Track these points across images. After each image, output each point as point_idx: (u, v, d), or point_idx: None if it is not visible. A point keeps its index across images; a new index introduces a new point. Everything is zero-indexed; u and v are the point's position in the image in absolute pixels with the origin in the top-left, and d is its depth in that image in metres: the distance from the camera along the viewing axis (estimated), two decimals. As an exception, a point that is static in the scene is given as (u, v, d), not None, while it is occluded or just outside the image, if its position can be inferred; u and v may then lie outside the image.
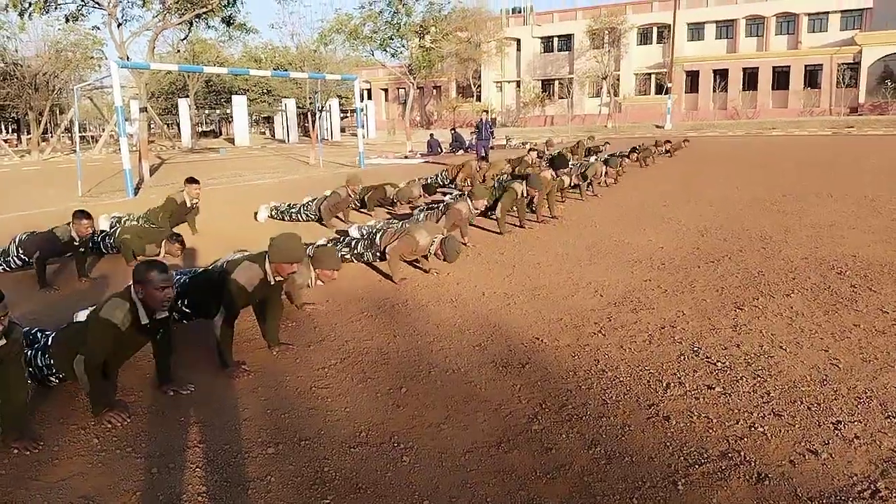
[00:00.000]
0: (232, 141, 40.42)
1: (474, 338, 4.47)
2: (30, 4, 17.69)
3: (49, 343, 3.57)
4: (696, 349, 4.12)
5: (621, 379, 3.71)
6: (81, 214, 5.94)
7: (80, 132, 25.20)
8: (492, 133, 19.27)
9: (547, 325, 4.67)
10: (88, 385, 3.27)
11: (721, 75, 44.39)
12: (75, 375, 3.35)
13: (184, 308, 4.23)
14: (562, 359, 4.05)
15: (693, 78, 45.59)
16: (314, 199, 9.15)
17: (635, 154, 14.80)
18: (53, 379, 3.59)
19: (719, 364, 3.87)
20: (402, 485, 2.73)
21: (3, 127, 44.11)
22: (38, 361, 3.54)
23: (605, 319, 4.76)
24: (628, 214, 9.16)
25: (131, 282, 3.38)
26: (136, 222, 7.61)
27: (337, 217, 9.06)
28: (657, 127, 38.38)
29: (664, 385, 3.61)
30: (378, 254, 6.17)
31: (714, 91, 44.73)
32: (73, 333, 3.53)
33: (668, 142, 18.81)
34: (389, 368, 3.97)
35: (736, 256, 6.52)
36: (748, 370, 3.76)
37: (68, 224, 5.96)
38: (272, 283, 4.01)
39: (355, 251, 6.32)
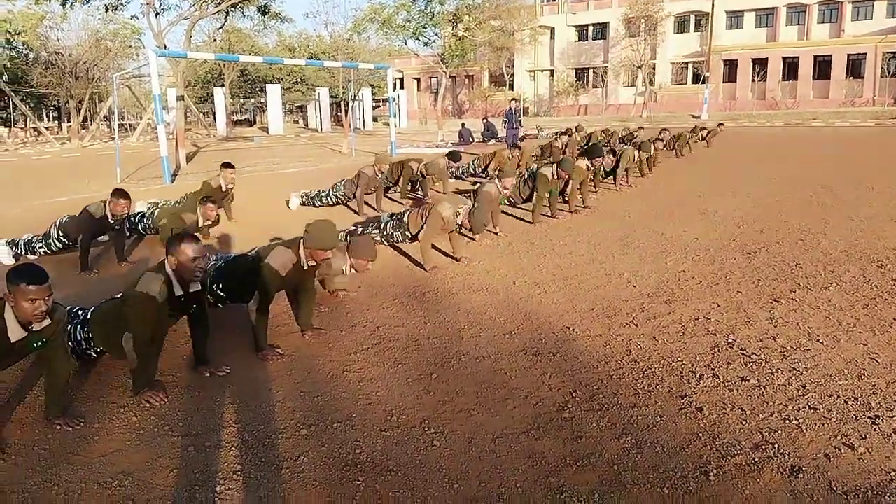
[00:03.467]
0: (266, 129, 40.83)
1: (505, 326, 4.47)
2: (71, -6, 18.09)
3: (88, 317, 3.67)
4: (730, 341, 4.07)
5: (653, 369, 3.69)
6: (119, 193, 6.07)
7: (118, 120, 25.76)
8: (520, 122, 19.11)
9: (578, 315, 4.65)
10: (137, 361, 3.35)
11: (760, 64, 43.39)
12: (115, 350, 3.44)
13: (219, 292, 4.31)
14: (593, 348, 4.03)
15: (731, 67, 44.63)
16: (342, 181, 9.23)
17: (667, 133, 14.46)
18: (92, 353, 3.69)
19: (754, 356, 3.81)
20: (432, 469, 2.75)
21: (44, 115, 45.21)
22: (78, 335, 3.64)
23: (638, 310, 4.72)
24: (662, 205, 9.05)
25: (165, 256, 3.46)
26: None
27: (369, 205, 9.11)
28: (693, 117, 37.68)
29: (697, 376, 3.57)
30: (408, 233, 6.18)
31: (753, 81, 43.75)
32: (111, 307, 3.61)
33: (703, 128, 18.47)
34: (420, 354, 4.01)
35: (773, 248, 6.40)
36: (784, 363, 3.71)
37: (102, 201, 6.08)
38: (305, 268, 4.07)
39: (385, 232, 6.35)
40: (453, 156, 10.14)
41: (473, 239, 7.02)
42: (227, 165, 8.26)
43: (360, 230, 6.50)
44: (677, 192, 10.22)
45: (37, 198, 11.57)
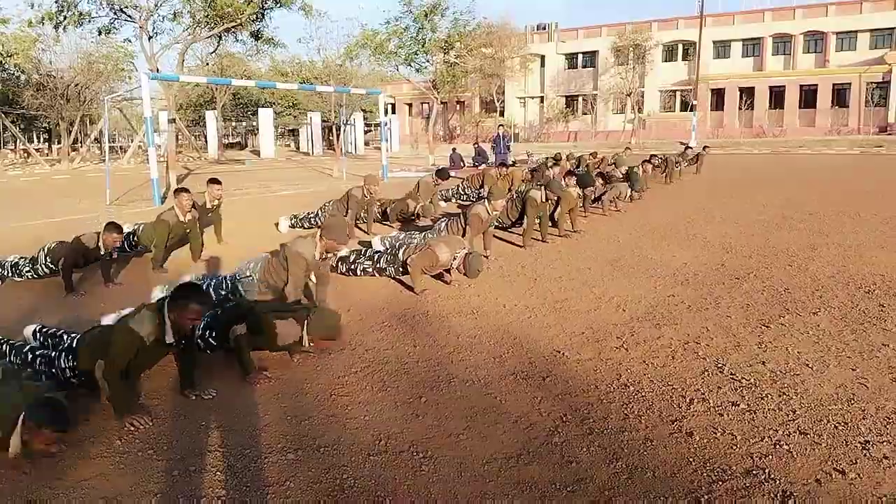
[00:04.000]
0: (258, 153, 40.90)
1: (494, 349, 4.45)
2: (65, 18, 18.18)
3: (74, 345, 3.63)
4: (720, 365, 4.06)
5: (644, 394, 3.67)
6: (112, 227, 6.07)
7: (109, 143, 25.76)
8: (508, 147, 19.26)
9: (568, 339, 4.64)
10: (109, 389, 3.32)
11: (747, 93, 44.05)
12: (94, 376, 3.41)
13: (210, 340, 4.22)
14: (583, 372, 4.01)
15: (719, 95, 45.28)
16: (330, 201, 9.26)
17: (656, 159, 14.58)
18: (74, 381, 3.64)
19: (744, 381, 3.81)
20: (421, 494, 2.71)
21: (35, 137, 45.11)
22: (62, 363, 3.60)
23: (628, 334, 4.71)
24: (652, 230, 9.09)
25: (167, 298, 3.45)
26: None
27: (359, 228, 9.10)
28: (682, 144, 38.06)
29: (688, 401, 3.56)
30: (401, 268, 6.19)
31: (740, 109, 44.38)
32: (98, 335, 3.58)
33: (689, 147, 18.72)
34: (409, 378, 3.97)
35: (762, 274, 6.43)
36: (774, 387, 3.70)
37: (96, 233, 6.06)
38: (318, 259, 4.67)
39: (378, 265, 6.33)
40: (441, 173, 10.20)
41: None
42: (213, 182, 8.19)
43: (352, 258, 6.47)
44: (666, 217, 10.29)
45: (25, 219, 11.49)
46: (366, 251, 6.64)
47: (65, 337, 3.74)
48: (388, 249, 6.42)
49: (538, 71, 51.13)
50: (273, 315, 4.10)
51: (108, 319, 4.40)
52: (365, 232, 9.10)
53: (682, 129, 42.29)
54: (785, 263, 6.84)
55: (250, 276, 5.10)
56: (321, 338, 4.33)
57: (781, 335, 4.60)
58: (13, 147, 37.41)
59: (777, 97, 43.62)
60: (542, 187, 8.18)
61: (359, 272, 6.32)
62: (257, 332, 3.98)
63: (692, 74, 42.63)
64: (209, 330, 4.21)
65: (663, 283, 6.16)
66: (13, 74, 32.96)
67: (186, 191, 7.12)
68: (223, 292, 5.14)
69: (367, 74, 37.92)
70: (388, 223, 9.99)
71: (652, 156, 14.96)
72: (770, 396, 3.58)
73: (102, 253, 6.09)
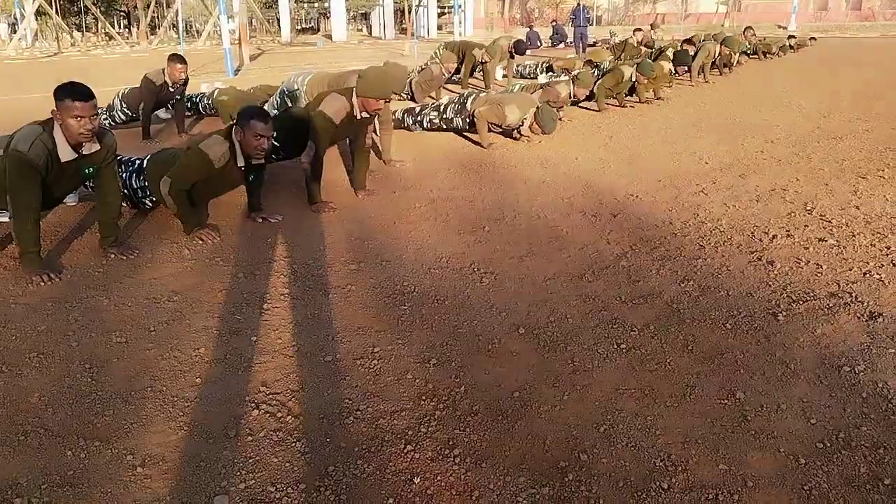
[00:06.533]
0: (329, 37, 40.28)
1: (563, 192, 4.28)
2: None
3: (144, 165, 3.67)
4: (809, 208, 3.77)
5: (722, 229, 3.46)
6: (176, 58, 6.03)
7: (184, 28, 25.67)
8: (588, 20, 17.99)
9: (644, 185, 4.40)
10: (173, 205, 3.36)
11: (860, -31, 39.58)
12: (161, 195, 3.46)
13: (272, 142, 4.22)
14: (657, 212, 3.81)
15: (826, -27, 40.91)
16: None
17: (751, 32, 13.33)
18: (147, 202, 3.72)
19: (834, 221, 3.53)
20: (481, 300, 2.67)
21: (115, 22, 45.76)
22: (133, 183, 3.66)
23: (709, 182, 4.43)
24: (743, 97, 8.44)
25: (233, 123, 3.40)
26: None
27: (430, 97, 8.84)
28: (780, 27, 35.01)
29: (770, 236, 3.33)
30: (469, 119, 5.96)
31: (850, -12, 40.09)
32: (168, 155, 3.61)
33: (792, 36, 17.09)
34: (473, 212, 3.88)
35: (862, 136, 5.89)
36: (867, 228, 3.41)
37: (161, 69, 6.05)
38: (358, 118, 3.93)
39: (444, 115, 6.12)
40: (518, 45, 9.65)
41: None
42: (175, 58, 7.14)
43: (418, 110, 6.29)
44: (759, 87, 9.52)
45: (104, 85, 11.77)
46: (433, 103, 6.43)
47: (134, 160, 3.78)
48: (454, 100, 6.18)
49: (626, -54, 47.34)
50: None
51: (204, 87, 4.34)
52: (433, 98, 8.83)
53: (780, 12, 38.64)
54: (889, 126, 6.24)
55: (298, 89, 5.06)
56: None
57: (879, 186, 4.22)
58: (94, 30, 38.12)
59: (895, -26, 39.03)
60: (634, 67, 7.67)
61: (426, 124, 6.13)
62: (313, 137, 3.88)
63: (798, -52, 38.49)
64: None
65: (751, 141, 5.73)
66: (92, -46, 33.06)
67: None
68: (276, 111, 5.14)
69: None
70: (458, 78, 9.58)
71: (747, 28, 13.72)
72: (862, 235, 3.30)
73: (171, 89, 6.09)
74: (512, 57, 9.83)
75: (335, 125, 3.83)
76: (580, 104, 7.46)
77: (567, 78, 7.09)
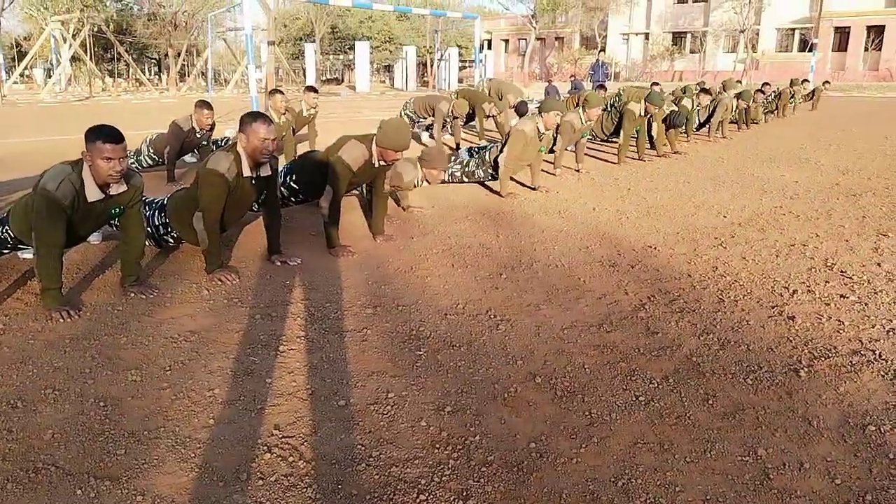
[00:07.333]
0: (353, 88, 41.24)
1: (581, 241, 4.28)
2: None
3: (165, 203, 3.74)
4: (829, 264, 3.74)
5: (741, 283, 3.43)
6: (203, 104, 6.20)
7: (213, 76, 26.54)
8: (606, 75, 18.27)
9: (662, 237, 4.40)
10: (207, 241, 3.38)
11: (876, 32, 40.02)
12: (189, 233, 3.50)
13: (292, 184, 4.29)
14: (676, 264, 3.79)
15: (842, 35, 41.34)
16: (412, 99, 9.27)
17: (769, 88, 13.42)
18: (169, 239, 3.77)
19: (855, 277, 3.49)
20: (496, 347, 2.65)
21: (145, 69, 47.28)
22: (156, 220, 3.72)
23: (728, 236, 4.41)
24: (760, 154, 8.47)
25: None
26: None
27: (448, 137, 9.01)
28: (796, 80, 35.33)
29: (790, 291, 3.29)
30: (490, 171, 6.03)
31: (866, 50, 40.42)
32: (186, 191, 3.66)
33: (806, 80, 17.14)
34: (490, 259, 3.88)
35: (881, 193, 5.87)
36: (889, 285, 3.37)
37: (189, 115, 6.21)
38: (376, 165, 3.99)
39: (467, 168, 6.20)
40: (520, 108, 9.89)
41: (554, 174, 6.79)
42: (310, 89, 8.22)
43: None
44: (776, 144, 9.56)
45: (133, 129, 12.08)
46: (454, 157, 6.51)
47: (156, 199, 3.85)
48: (475, 154, 6.27)
49: (644, 4, 48.33)
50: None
51: None
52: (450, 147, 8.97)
53: (798, 70, 38.96)
54: (911, 184, 6.21)
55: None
56: (436, 167, 4.67)
57: (903, 243, 4.18)
58: (126, 76, 39.34)
59: (912, 36, 39.42)
60: (642, 100, 7.73)
61: (447, 178, 6.22)
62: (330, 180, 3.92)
63: (814, 11, 39.13)
64: (289, 175, 4.29)
65: (770, 196, 5.73)
66: (127, 5, 34.42)
67: (280, 92, 7.16)
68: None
69: (463, 4, 37.09)
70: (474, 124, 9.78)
71: (764, 84, 13.85)
72: (885, 292, 3.26)
73: (198, 135, 6.24)
74: (518, 114, 10.04)
75: (353, 172, 3.90)
76: (601, 142, 7.53)
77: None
